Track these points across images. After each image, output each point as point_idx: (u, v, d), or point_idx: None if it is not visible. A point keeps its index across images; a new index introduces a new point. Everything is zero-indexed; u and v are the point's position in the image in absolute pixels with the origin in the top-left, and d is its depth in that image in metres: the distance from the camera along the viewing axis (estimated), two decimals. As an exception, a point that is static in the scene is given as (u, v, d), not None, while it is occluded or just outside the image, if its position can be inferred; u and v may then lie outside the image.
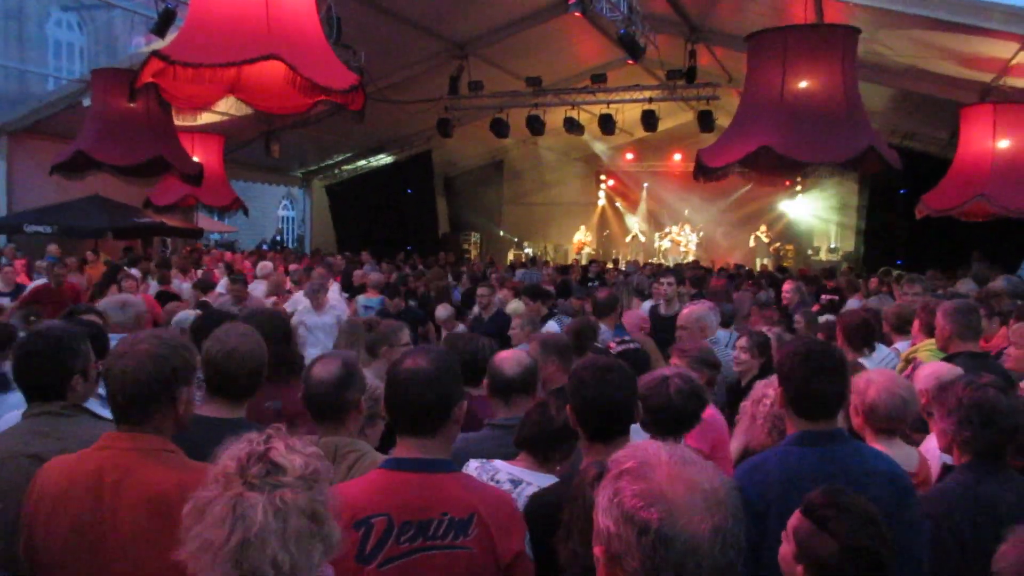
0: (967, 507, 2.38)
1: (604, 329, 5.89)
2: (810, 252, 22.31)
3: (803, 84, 9.49)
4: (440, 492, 2.03)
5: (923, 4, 9.33)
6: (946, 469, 2.68)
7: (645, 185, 24.18)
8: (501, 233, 24.20)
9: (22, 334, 3.21)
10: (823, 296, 9.30)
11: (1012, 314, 5.25)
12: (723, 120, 14.06)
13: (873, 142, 9.23)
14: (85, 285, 9.62)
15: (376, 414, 2.79)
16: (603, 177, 25.12)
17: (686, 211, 23.67)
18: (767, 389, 3.12)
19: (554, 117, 16.38)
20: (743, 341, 4.84)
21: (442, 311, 7.95)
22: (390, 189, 20.35)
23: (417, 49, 14.32)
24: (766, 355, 4.68)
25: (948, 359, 3.96)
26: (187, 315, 5.51)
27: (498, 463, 2.70)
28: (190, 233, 16.84)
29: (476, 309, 8.27)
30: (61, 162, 11.67)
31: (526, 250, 23.17)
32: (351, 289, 10.62)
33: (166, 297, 8.31)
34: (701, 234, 23.63)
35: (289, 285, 9.61)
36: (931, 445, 3.01)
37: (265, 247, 23.76)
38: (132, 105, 10.70)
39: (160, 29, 9.77)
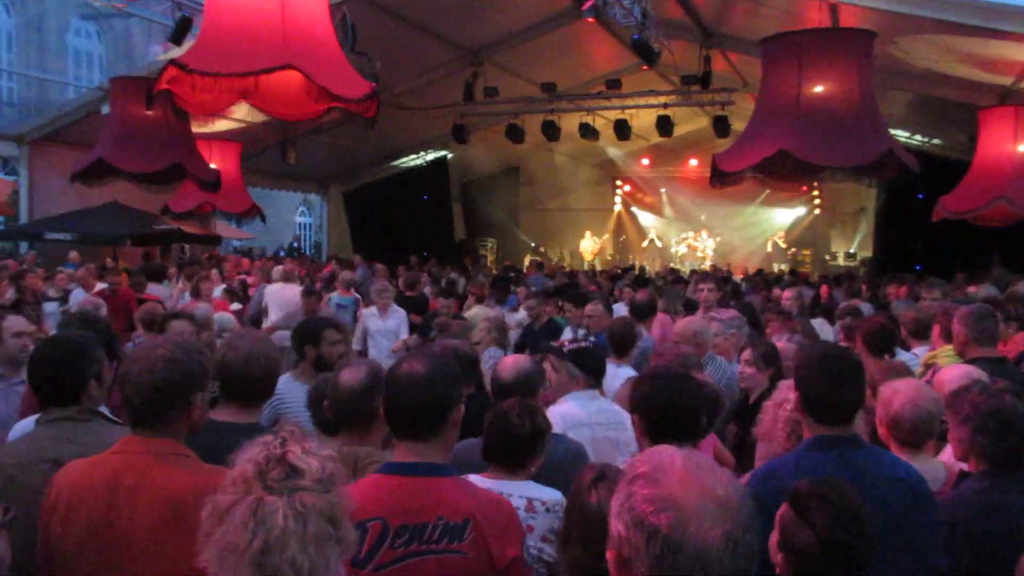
0: (982, 514, 2.36)
1: (644, 334, 5.84)
2: (827, 257, 22.16)
3: (820, 88, 9.43)
4: (435, 496, 2.01)
5: (940, 7, 9.26)
6: (961, 475, 2.65)
7: (663, 190, 24.10)
8: (523, 236, 24.24)
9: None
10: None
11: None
12: (738, 125, 14.01)
13: (891, 145, 9.17)
14: (109, 293, 9.69)
15: None
16: (619, 183, 25.07)
17: (703, 216, 23.58)
18: (789, 393, 3.07)
19: (569, 123, 16.40)
20: (747, 353, 4.32)
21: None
22: (406, 195, 20.40)
23: (432, 56, 14.39)
24: (774, 366, 4.23)
25: (972, 363, 3.92)
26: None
27: (473, 478, 2.64)
28: (208, 240, 16.97)
29: (522, 315, 8.35)
30: (81, 170, 11.81)
31: (534, 257, 23.12)
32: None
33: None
34: (718, 239, 23.53)
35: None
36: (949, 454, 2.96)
37: (282, 253, 23.92)
38: (150, 113, 10.86)
39: (177, 37, 9.89)
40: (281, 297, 8.87)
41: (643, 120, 16.38)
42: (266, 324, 8.49)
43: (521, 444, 2.61)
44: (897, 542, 2.20)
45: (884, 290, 9.89)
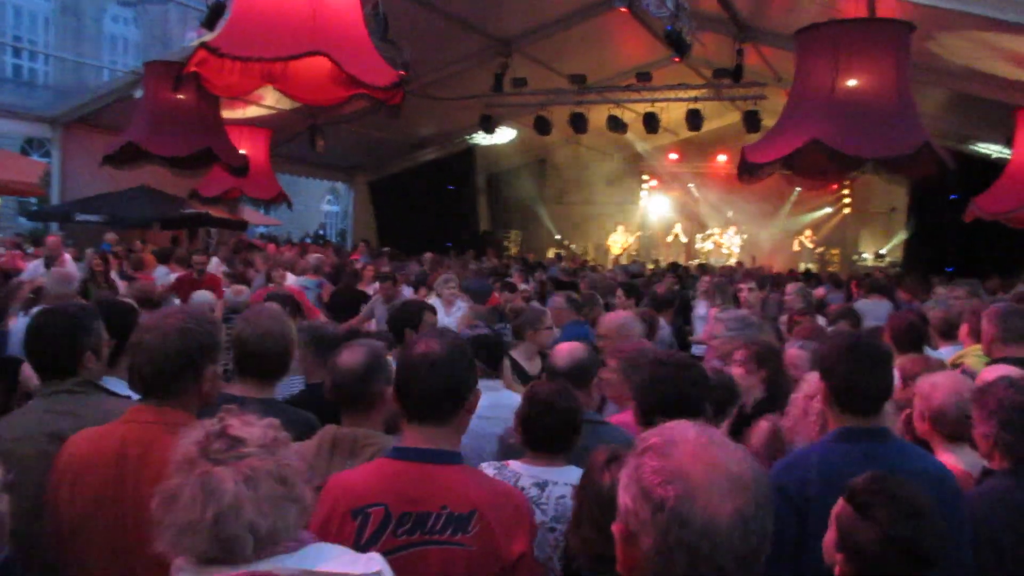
0: (1006, 513, 2.29)
1: (663, 324, 5.84)
2: (855, 257, 21.88)
3: (855, 79, 9.22)
4: (441, 485, 1.93)
5: (979, 3, 9.06)
6: (985, 473, 2.58)
7: (691, 186, 23.90)
8: (548, 229, 24.18)
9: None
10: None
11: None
12: (769, 121, 13.82)
13: (928, 138, 8.99)
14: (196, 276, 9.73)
15: None
16: (645, 177, 24.90)
17: (730, 213, 23.38)
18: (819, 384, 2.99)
19: (598, 115, 16.29)
20: (739, 353, 3.91)
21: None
22: (432, 186, 20.43)
23: (462, 45, 14.36)
24: (768, 367, 3.78)
25: (992, 363, 3.83)
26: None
27: (515, 465, 2.60)
28: (235, 224, 17.10)
29: None
30: (112, 153, 11.92)
31: (557, 251, 23.02)
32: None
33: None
34: (745, 236, 23.31)
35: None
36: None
37: (308, 240, 24.07)
38: (181, 97, 10.92)
39: (210, 22, 9.90)
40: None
41: (672, 114, 16.23)
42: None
43: (564, 428, 2.56)
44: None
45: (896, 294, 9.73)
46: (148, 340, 2.02)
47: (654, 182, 24.79)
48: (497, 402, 3.29)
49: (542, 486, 2.50)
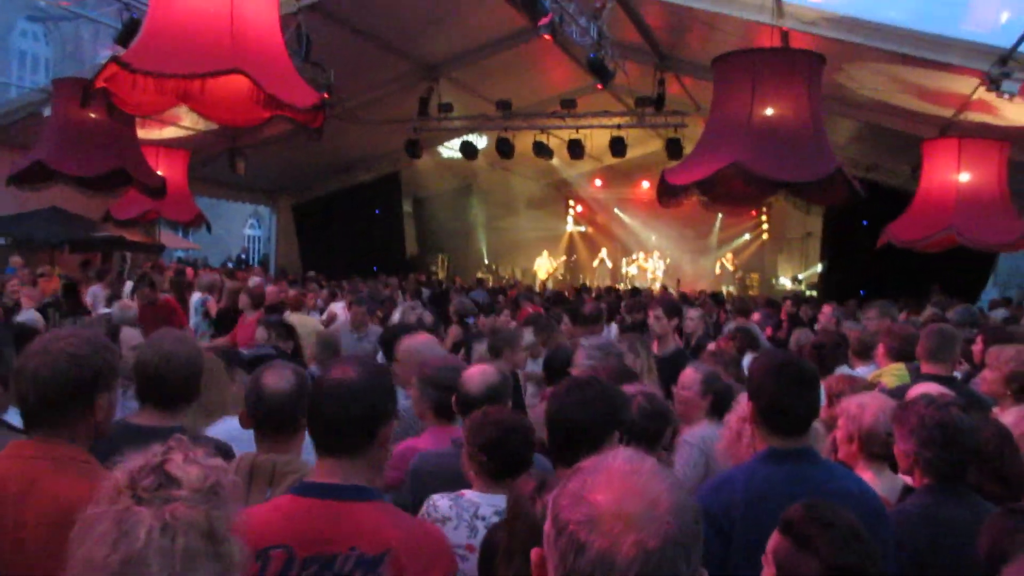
0: (928, 530, 2.31)
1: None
2: (774, 281, 22.56)
3: (772, 106, 9.55)
4: (350, 523, 1.78)
5: (886, 38, 9.49)
6: (906, 491, 2.61)
7: (616, 210, 24.30)
8: (475, 253, 24.16)
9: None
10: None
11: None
12: (690, 148, 14.12)
13: (840, 165, 9.34)
14: (39, 298, 9.33)
15: None
16: (572, 203, 25.22)
17: (653, 238, 23.84)
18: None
19: (524, 141, 16.40)
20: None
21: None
22: (358, 209, 20.17)
23: (387, 69, 14.28)
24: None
25: (920, 379, 3.93)
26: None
27: (471, 495, 2.47)
28: (150, 248, 16.52)
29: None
30: (18, 172, 11.39)
31: (480, 275, 23.01)
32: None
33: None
34: (668, 261, 23.78)
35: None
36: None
37: (230, 265, 23.43)
38: (93, 116, 10.51)
39: (124, 39, 9.61)
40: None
41: (597, 141, 16.46)
42: None
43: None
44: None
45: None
46: (33, 366, 1.84)
47: (580, 208, 25.12)
48: None
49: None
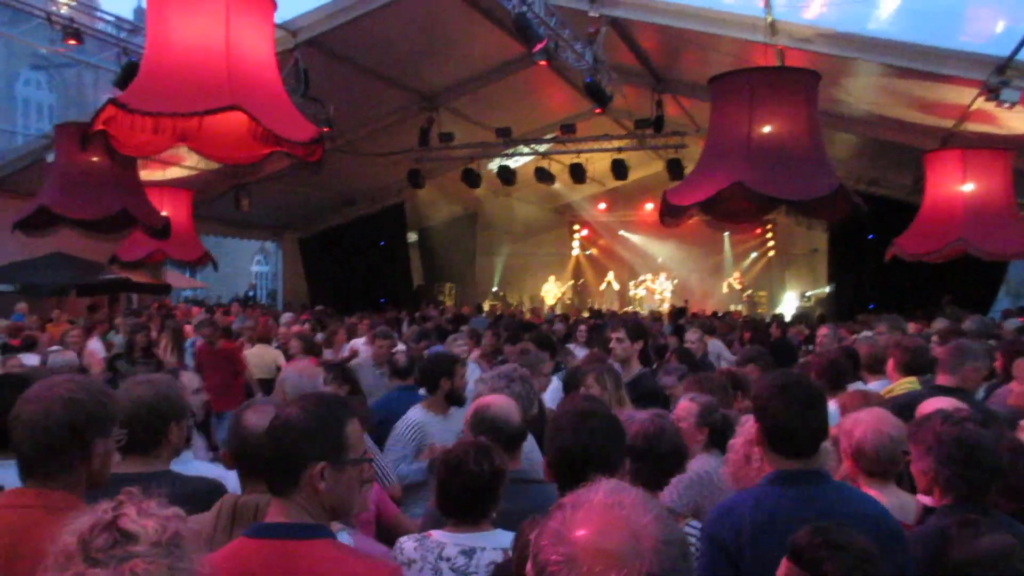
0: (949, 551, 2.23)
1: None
2: (782, 298, 22.47)
3: (770, 124, 9.56)
4: (303, 562, 1.73)
5: (882, 52, 9.50)
6: (926, 511, 2.54)
7: (621, 233, 24.30)
8: (482, 281, 24.15)
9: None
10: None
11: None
12: (692, 168, 14.18)
13: (841, 182, 9.32)
14: (47, 343, 9.31)
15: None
16: (576, 227, 25.24)
17: (660, 259, 23.80)
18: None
19: (525, 168, 16.47)
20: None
21: None
22: (363, 242, 20.23)
23: (387, 102, 14.39)
24: None
25: (931, 391, 3.86)
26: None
27: (438, 535, 2.44)
28: (157, 289, 16.55)
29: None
30: (23, 218, 11.45)
31: (492, 302, 22.97)
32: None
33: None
34: (676, 282, 23.72)
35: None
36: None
37: (237, 303, 23.47)
38: (95, 159, 10.59)
39: (123, 82, 9.69)
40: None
41: (598, 165, 16.51)
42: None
43: (482, 492, 2.38)
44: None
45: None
46: (28, 413, 1.80)
47: (585, 231, 25.13)
48: None
49: (469, 554, 2.36)
